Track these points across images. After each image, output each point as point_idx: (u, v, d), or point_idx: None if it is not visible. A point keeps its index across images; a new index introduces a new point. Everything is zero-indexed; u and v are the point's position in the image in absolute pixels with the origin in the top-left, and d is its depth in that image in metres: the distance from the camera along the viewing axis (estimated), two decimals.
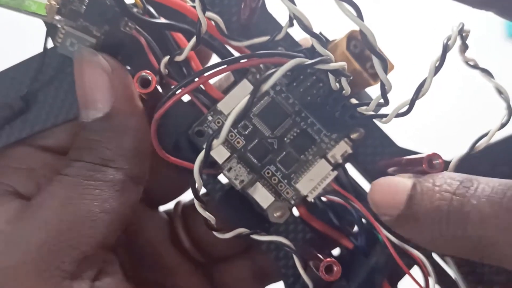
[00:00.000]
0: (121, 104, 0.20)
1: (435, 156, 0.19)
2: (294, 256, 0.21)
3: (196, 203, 0.18)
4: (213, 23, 0.22)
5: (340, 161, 0.22)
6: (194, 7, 0.19)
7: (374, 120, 0.23)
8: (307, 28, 0.16)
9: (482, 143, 0.20)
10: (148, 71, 0.19)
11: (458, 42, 0.19)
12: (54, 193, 0.20)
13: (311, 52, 0.21)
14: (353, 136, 0.22)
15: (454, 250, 0.18)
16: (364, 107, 0.20)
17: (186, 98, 0.23)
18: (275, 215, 0.22)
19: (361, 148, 0.23)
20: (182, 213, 0.26)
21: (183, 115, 0.23)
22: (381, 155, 0.24)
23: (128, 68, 0.21)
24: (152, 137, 0.19)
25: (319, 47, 0.17)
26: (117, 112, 0.20)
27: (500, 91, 0.21)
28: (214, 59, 0.24)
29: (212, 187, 0.23)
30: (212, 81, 0.22)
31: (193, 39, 0.19)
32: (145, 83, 0.19)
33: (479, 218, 0.16)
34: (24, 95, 0.23)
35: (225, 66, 0.19)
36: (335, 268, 0.19)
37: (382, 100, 0.18)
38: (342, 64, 0.17)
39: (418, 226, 0.18)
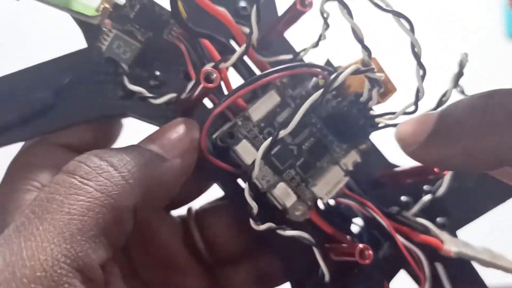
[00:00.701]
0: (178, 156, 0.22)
1: None
2: (315, 249, 0.23)
3: (247, 190, 0.20)
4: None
5: (351, 168, 0.25)
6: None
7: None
8: (361, 40, 0.19)
9: None
10: (213, 69, 0.21)
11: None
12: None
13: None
14: (361, 147, 0.25)
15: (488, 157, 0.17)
16: (388, 116, 0.23)
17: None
18: (296, 213, 0.24)
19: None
20: (195, 217, 0.27)
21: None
22: (373, 167, 0.27)
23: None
24: (202, 143, 0.21)
25: (367, 59, 0.20)
26: (166, 159, 0.21)
27: None
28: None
29: (232, 189, 0.25)
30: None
31: (242, 47, 0.22)
32: (210, 78, 0.21)
33: None
34: (55, 91, 0.23)
35: (265, 77, 0.22)
36: (367, 253, 0.22)
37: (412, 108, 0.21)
38: (381, 75, 0.21)
39: (451, 138, 0.18)
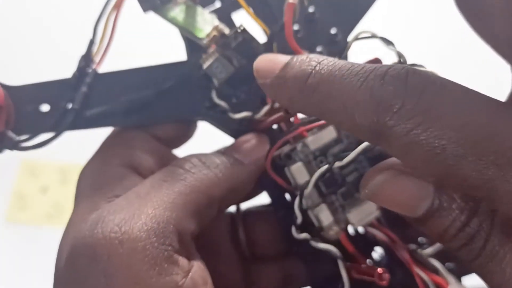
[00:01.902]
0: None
1: None
2: (339, 261, 0.28)
3: (297, 203, 0.25)
4: None
5: None
6: None
7: None
8: None
9: None
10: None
11: None
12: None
13: None
14: None
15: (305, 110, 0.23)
16: None
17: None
18: (330, 232, 0.28)
19: None
20: (242, 215, 0.32)
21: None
22: None
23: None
24: (268, 160, 0.26)
25: None
26: (244, 163, 0.27)
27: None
28: None
29: (279, 201, 0.30)
30: None
31: None
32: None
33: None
34: (156, 92, 0.29)
35: None
36: (385, 275, 0.26)
37: None
38: None
39: (285, 87, 0.22)
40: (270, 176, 0.28)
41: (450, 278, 0.30)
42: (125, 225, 0.22)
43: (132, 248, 0.22)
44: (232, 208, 0.32)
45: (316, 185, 0.29)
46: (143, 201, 0.23)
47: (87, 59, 0.28)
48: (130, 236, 0.22)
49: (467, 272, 0.31)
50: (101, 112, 0.28)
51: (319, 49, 0.30)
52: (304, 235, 0.27)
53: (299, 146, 0.29)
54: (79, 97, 0.27)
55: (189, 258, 0.24)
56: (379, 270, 0.26)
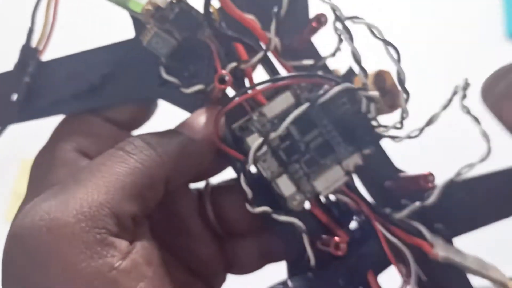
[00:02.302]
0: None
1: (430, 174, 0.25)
2: (304, 235, 0.26)
3: (242, 176, 0.24)
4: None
5: (352, 169, 0.28)
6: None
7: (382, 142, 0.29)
8: (359, 61, 0.22)
9: (464, 171, 0.26)
10: (226, 72, 0.24)
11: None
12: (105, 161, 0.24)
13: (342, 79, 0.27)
14: (365, 152, 0.28)
15: None
16: (382, 129, 0.25)
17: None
18: (294, 203, 0.27)
19: (368, 164, 0.29)
20: (211, 191, 0.31)
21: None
22: (382, 173, 0.29)
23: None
24: (215, 124, 0.25)
25: (363, 78, 0.22)
26: (195, 140, 0.26)
27: (485, 137, 0.26)
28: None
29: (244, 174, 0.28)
30: None
31: (261, 53, 0.25)
32: (223, 80, 0.24)
33: None
34: (104, 74, 0.28)
35: (280, 81, 0.25)
36: (342, 245, 0.25)
37: (398, 125, 0.23)
38: (375, 94, 0.23)
39: None
40: (224, 150, 0.27)
41: (437, 241, 0.28)
42: (55, 211, 0.22)
43: (60, 235, 0.21)
44: (201, 184, 0.31)
45: (275, 155, 0.27)
46: (78, 186, 0.23)
47: (28, 48, 0.27)
48: (58, 222, 0.21)
49: (459, 232, 0.29)
50: (49, 101, 0.27)
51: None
52: (261, 209, 0.26)
53: (255, 115, 0.27)
54: (22, 88, 0.27)
55: (132, 240, 0.23)
56: (335, 239, 0.25)
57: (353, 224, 0.30)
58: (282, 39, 0.27)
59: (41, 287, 0.22)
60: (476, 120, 0.27)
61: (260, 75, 0.30)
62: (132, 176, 0.24)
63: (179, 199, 0.30)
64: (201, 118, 0.27)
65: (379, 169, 0.29)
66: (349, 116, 0.27)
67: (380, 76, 0.27)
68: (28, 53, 0.27)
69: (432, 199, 0.26)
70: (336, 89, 0.21)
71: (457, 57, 0.57)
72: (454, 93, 0.23)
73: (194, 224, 0.30)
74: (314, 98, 0.21)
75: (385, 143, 0.29)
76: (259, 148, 0.24)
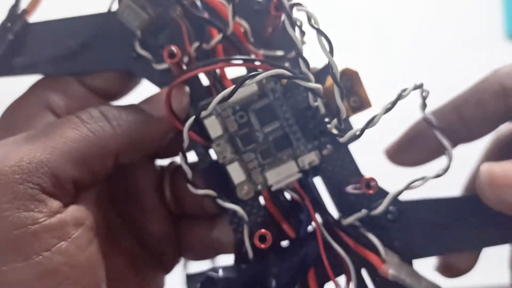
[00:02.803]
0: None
1: (371, 179, 0.24)
2: (245, 225, 0.26)
3: (181, 155, 0.24)
4: (242, 29, 0.27)
5: (307, 167, 0.27)
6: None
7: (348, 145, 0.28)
8: (300, 52, 0.21)
9: (416, 185, 0.24)
10: (176, 46, 0.24)
11: (419, 98, 0.24)
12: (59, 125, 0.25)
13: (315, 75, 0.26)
14: (324, 152, 0.27)
15: None
16: (329, 125, 0.25)
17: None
18: (242, 192, 0.27)
19: (331, 166, 0.28)
20: (172, 170, 0.31)
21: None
22: (345, 176, 0.28)
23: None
24: (166, 99, 0.25)
25: (303, 67, 0.22)
26: (154, 117, 0.27)
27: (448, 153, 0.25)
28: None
29: (203, 158, 0.28)
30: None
31: (220, 35, 0.25)
32: (172, 55, 0.24)
33: None
34: (83, 42, 0.29)
35: (226, 62, 0.25)
36: (267, 237, 0.24)
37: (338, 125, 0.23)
38: (317, 86, 0.22)
39: None
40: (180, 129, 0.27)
41: (391, 257, 0.27)
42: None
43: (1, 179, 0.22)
44: (165, 162, 0.32)
45: (231, 141, 0.27)
46: (26, 141, 0.24)
47: (16, 8, 0.28)
48: None
49: (419, 255, 0.28)
50: (28, 60, 0.28)
51: None
52: (204, 191, 0.26)
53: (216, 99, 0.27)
54: (4, 44, 0.28)
55: (68, 202, 0.24)
56: (261, 231, 0.24)
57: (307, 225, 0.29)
58: (252, 26, 0.27)
59: None
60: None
61: None
62: (81, 143, 0.24)
63: (139, 172, 0.30)
64: (163, 96, 0.27)
65: (342, 172, 0.28)
66: (310, 111, 0.27)
67: (346, 75, 0.26)
68: (16, 13, 0.28)
69: (379, 208, 0.25)
70: (267, 73, 0.21)
71: (457, 57, 0.56)
72: (398, 98, 0.22)
73: (150, 199, 0.30)
74: (243, 78, 0.21)
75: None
76: (190, 127, 0.23)
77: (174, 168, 0.31)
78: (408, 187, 0.24)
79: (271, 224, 0.28)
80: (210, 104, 0.22)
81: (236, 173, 0.27)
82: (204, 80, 0.29)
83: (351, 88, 0.26)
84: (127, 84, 0.30)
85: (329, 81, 0.26)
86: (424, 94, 0.24)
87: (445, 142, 0.25)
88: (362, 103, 0.26)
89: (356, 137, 0.23)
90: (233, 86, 0.21)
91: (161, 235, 0.30)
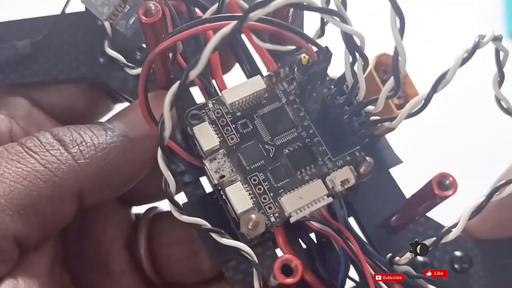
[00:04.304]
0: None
1: (444, 175, 0.16)
2: (254, 271, 0.17)
3: (160, 154, 0.16)
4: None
5: (339, 188, 0.19)
6: None
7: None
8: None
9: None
10: (155, 2, 0.18)
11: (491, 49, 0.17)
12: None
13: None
14: (361, 168, 0.19)
15: None
16: (372, 107, 0.17)
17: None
18: (248, 225, 0.18)
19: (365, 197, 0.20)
20: (150, 220, 0.22)
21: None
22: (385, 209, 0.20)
23: None
24: (140, 83, 0.17)
25: (341, 7, 0.15)
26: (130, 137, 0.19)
27: None
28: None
29: (192, 191, 0.20)
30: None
31: (214, 7, 0.19)
32: (149, 14, 0.17)
33: None
34: (33, 42, 0.22)
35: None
36: (294, 264, 0.15)
37: (391, 92, 0.15)
38: (359, 32, 0.15)
39: None
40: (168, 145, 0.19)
41: None
42: None
43: None
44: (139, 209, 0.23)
45: (232, 156, 0.19)
46: None
47: None
48: None
49: None
50: None
51: None
52: (192, 219, 0.17)
53: (210, 102, 0.20)
54: None
55: (4, 270, 0.16)
56: (283, 257, 0.15)
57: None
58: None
59: None
60: None
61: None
62: (26, 182, 0.17)
63: (106, 222, 0.22)
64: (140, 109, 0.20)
65: (383, 200, 0.20)
66: (329, 103, 0.19)
67: (383, 64, 0.19)
68: None
69: (456, 230, 0.17)
70: (278, 2, 0.14)
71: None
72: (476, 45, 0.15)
73: (118, 260, 0.21)
74: (243, 16, 0.13)
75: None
76: (175, 96, 0.16)
77: (153, 217, 0.23)
78: (496, 190, 0.17)
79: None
80: (200, 58, 0.14)
81: (238, 197, 0.18)
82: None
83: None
84: (94, 103, 0.23)
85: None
86: (499, 48, 0.16)
87: None
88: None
89: (417, 112, 0.16)
90: (233, 23, 0.14)
91: None
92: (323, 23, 0.20)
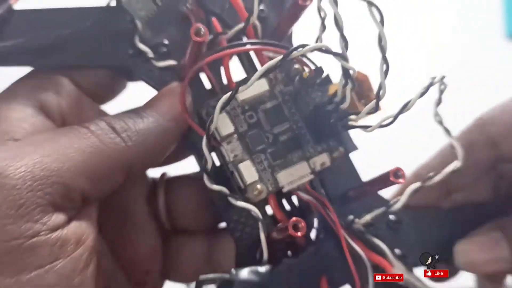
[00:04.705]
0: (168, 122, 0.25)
1: (398, 169, 0.24)
2: (260, 224, 0.24)
3: (204, 142, 0.22)
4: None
5: (319, 168, 0.26)
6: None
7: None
8: (341, 30, 0.21)
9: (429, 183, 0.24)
10: (202, 25, 0.23)
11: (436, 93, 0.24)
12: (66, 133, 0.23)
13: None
14: (335, 154, 0.27)
15: None
16: (354, 116, 0.24)
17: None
18: (254, 192, 0.25)
19: (331, 175, 0.28)
20: (166, 182, 0.28)
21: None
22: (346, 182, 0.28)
23: None
24: (181, 96, 0.23)
25: (342, 46, 0.21)
26: (162, 123, 0.24)
27: (453, 147, 0.26)
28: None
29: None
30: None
31: (240, 26, 0.25)
32: (198, 33, 0.23)
33: None
34: (75, 33, 0.26)
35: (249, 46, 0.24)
36: (301, 225, 0.22)
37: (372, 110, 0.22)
38: (353, 67, 0.22)
39: None
40: (189, 124, 0.25)
41: (398, 264, 0.26)
42: (4, 165, 0.20)
43: (8, 187, 0.20)
44: (156, 173, 0.29)
45: (242, 141, 0.26)
46: (34, 148, 0.21)
47: None
48: (3, 174, 0.20)
49: (417, 264, 0.28)
50: (11, 48, 0.25)
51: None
52: (219, 187, 0.24)
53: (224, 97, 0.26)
54: None
55: (72, 216, 0.21)
56: (293, 219, 0.22)
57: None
58: (263, 25, 0.27)
59: None
60: (447, 131, 0.26)
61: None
62: (92, 154, 0.22)
63: (130, 184, 0.27)
64: (168, 98, 0.25)
65: (344, 177, 0.27)
66: (322, 113, 0.26)
67: (357, 80, 0.26)
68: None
69: (399, 204, 0.25)
70: (311, 47, 0.20)
71: (457, 57, 0.56)
72: (431, 84, 0.22)
73: (141, 215, 0.27)
74: (286, 54, 0.20)
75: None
76: (225, 105, 0.22)
77: (168, 180, 0.29)
78: (427, 180, 0.24)
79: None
80: (250, 79, 0.20)
81: (248, 172, 0.25)
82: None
83: (361, 92, 0.26)
84: (116, 87, 0.28)
85: (332, 89, 0.26)
86: (442, 87, 0.24)
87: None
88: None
89: (387, 124, 0.23)
90: (278, 58, 0.20)
91: (148, 251, 0.27)
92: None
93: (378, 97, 0.22)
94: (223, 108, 0.22)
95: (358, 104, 0.25)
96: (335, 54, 0.21)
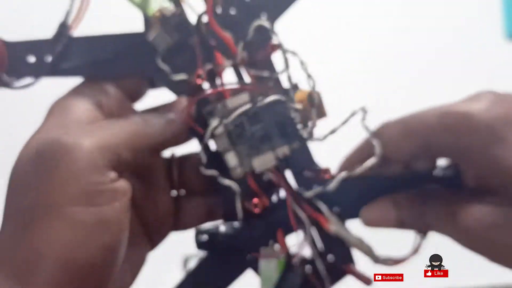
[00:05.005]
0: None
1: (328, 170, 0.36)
2: (236, 195, 0.37)
3: (202, 145, 0.34)
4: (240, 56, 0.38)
5: (281, 156, 0.38)
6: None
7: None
8: (291, 82, 0.32)
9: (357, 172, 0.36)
10: (202, 70, 0.34)
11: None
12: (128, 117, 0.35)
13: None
14: (293, 146, 0.39)
15: None
16: (304, 130, 0.36)
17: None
18: (234, 172, 0.37)
19: (296, 159, 0.40)
20: (179, 158, 0.41)
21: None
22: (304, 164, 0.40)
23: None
24: (188, 108, 0.35)
25: (291, 92, 0.33)
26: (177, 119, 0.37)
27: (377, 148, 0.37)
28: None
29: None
30: None
31: (229, 63, 0.36)
32: (199, 76, 0.35)
33: None
34: (117, 52, 0.38)
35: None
36: (259, 205, 0.35)
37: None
38: (298, 107, 0.34)
39: None
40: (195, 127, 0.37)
41: (333, 218, 0.39)
42: (82, 139, 0.32)
43: (78, 151, 0.32)
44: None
45: (229, 136, 0.38)
46: (97, 129, 0.33)
47: (64, 25, 0.37)
48: (82, 144, 0.32)
49: (351, 216, 0.40)
50: (73, 64, 0.37)
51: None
52: (211, 172, 0.36)
53: (219, 105, 0.38)
54: (55, 53, 0.36)
55: (119, 176, 0.33)
56: (254, 200, 0.35)
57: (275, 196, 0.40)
58: (249, 53, 0.38)
59: (41, 190, 0.31)
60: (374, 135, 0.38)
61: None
62: (135, 137, 0.34)
63: (154, 160, 0.40)
64: (181, 104, 0.38)
65: (303, 162, 0.40)
66: (284, 118, 0.38)
67: (311, 96, 0.37)
68: (63, 28, 0.37)
69: (331, 186, 0.37)
70: (270, 99, 0.32)
71: (457, 57, 0.61)
72: (352, 114, 0.33)
73: (160, 180, 0.40)
74: (256, 102, 0.32)
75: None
76: (215, 128, 0.34)
77: (181, 157, 0.41)
78: (351, 172, 0.36)
79: (252, 196, 0.39)
80: (232, 115, 0.32)
81: (231, 159, 0.37)
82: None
83: (313, 103, 0.38)
84: (144, 91, 0.40)
85: (298, 96, 0.37)
86: (363, 116, 0.36)
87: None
88: (321, 114, 0.38)
89: (318, 139, 0.35)
90: (251, 105, 0.32)
91: (165, 208, 0.40)
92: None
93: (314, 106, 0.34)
94: (212, 130, 0.34)
95: (312, 114, 0.37)
96: (286, 103, 0.33)
